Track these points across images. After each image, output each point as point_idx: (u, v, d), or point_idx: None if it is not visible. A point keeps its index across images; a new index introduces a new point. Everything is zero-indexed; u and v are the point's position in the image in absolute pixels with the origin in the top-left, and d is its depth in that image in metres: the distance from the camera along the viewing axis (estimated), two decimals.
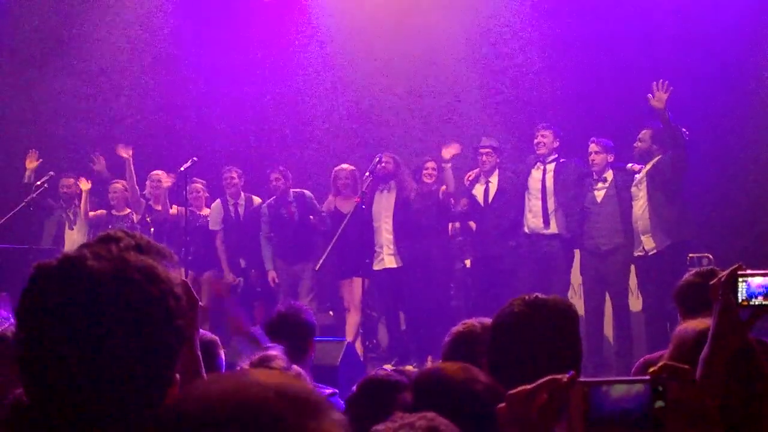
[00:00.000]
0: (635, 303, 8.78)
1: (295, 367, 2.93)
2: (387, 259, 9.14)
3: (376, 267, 9.18)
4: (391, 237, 9.11)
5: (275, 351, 3.10)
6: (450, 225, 9.57)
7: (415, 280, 9.01)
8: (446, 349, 3.01)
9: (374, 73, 10.94)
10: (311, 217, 9.30)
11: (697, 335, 2.33)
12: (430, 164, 9.19)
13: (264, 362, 2.96)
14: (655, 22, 9.84)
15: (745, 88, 9.53)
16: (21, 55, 11.36)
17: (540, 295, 2.59)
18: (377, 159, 8.88)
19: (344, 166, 9.41)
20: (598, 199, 8.66)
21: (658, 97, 8.07)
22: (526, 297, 2.58)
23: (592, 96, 9.94)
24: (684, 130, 8.28)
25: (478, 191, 9.15)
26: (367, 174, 8.81)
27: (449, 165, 8.97)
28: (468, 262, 9.63)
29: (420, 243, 9.02)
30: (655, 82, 8.09)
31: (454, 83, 10.85)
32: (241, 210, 9.85)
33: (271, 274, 9.50)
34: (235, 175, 9.77)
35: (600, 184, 8.70)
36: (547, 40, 10.33)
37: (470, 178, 9.22)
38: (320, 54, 11.27)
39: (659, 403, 1.41)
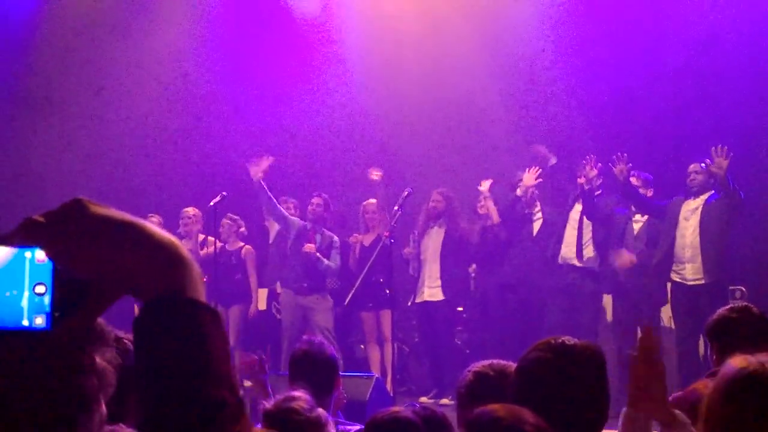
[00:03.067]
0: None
1: (320, 410, 2.89)
2: (428, 292, 9.21)
3: (418, 300, 9.31)
4: (436, 273, 9.18)
5: (299, 392, 3.05)
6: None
7: (456, 314, 9.07)
8: (462, 401, 2.91)
9: (404, 107, 10.95)
10: (319, 256, 9.26)
11: (736, 373, 2.21)
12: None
13: (288, 402, 2.93)
14: (692, 53, 9.76)
15: None
16: (45, 89, 11.50)
17: (566, 341, 2.53)
18: (405, 193, 8.88)
19: (371, 201, 9.47)
20: (635, 232, 8.69)
21: (718, 164, 8.01)
22: (552, 341, 2.53)
23: (627, 129, 9.88)
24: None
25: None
26: (396, 208, 8.82)
27: (489, 195, 9.20)
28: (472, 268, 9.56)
29: (463, 278, 9.16)
30: (714, 148, 8.01)
31: (486, 116, 10.85)
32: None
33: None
34: (291, 205, 9.90)
35: (638, 217, 8.75)
36: (581, 74, 10.26)
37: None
38: (350, 89, 11.26)
39: None
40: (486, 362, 3.02)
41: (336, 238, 9.45)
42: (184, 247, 1.06)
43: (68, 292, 1.03)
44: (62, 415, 1.11)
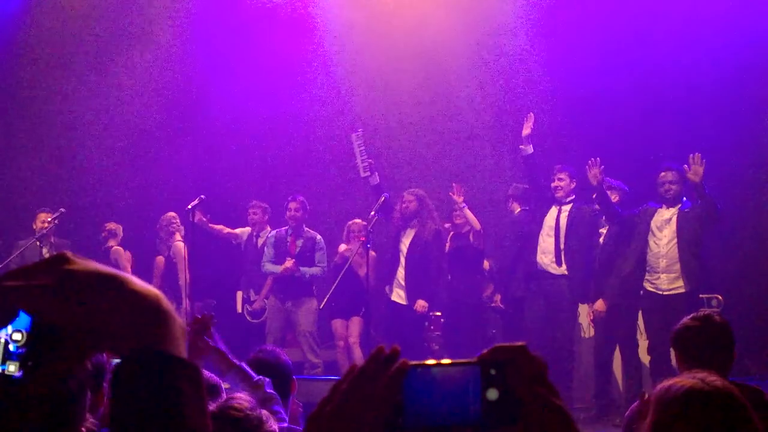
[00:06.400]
0: (642, 344, 8.71)
1: (263, 411, 2.92)
2: (396, 291, 9.16)
3: (393, 297, 9.20)
4: (403, 273, 9.11)
5: (240, 394, 3.08)
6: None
7: (425, 318, 9.03)
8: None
9: (386, 112, 10.99)
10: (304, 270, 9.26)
11: (682, 395, 2.12)
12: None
13: (229, 401, 2.96)
14: (677, 63, 9.82)
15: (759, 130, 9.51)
16: (21, 93, 11.50)
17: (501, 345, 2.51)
18: (382, 198, 8.89)
19: (357, 220, 9.41)
20: (601, 240, 8.73)
21: (695, 171, 8.06)
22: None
23: (610, 136, 9.92)
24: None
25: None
26: (372, 213, 8.82)
27: (464, 204, 9.09)
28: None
29: (429, 283, 9.11)
30: (691, 156, 8.06)
31: (467, 122, 10.88)
32: (259, 243, 9.86)
33: (258, 304, 9.64)
34: (258, 210, 9.89)
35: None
36: (564, 81, 10.30)
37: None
38: (335, 93, 11.30)
39: (492, 393, 1.06)
40: None
41: (319, 237, 9.41)
42: (165, 300, 1.06)
43: (45, 342, 1.01)
44: None
